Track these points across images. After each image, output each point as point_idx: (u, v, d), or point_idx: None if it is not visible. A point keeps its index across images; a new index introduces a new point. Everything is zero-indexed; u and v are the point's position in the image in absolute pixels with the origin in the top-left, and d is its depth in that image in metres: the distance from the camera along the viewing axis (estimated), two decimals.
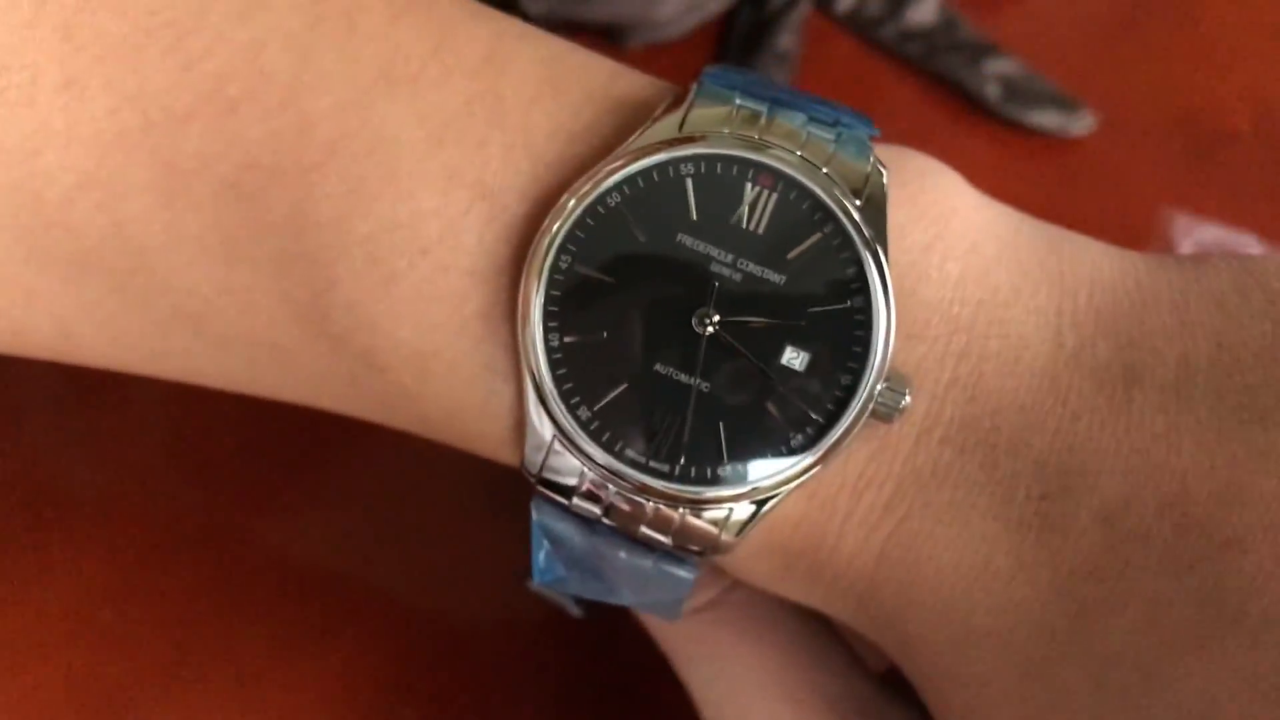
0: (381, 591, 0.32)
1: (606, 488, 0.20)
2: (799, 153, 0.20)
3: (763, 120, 0.20)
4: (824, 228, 0.20)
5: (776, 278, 0.20)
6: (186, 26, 0.20)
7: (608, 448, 0.20)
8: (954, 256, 0.20)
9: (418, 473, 0.33)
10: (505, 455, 0.22)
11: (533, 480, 0.21)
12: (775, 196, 0.20)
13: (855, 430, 0.20)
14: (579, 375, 0.20)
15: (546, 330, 0.20)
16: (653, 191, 0.20)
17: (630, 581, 0.22)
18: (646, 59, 0.40)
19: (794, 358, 0.20)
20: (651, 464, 0.20)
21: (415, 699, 0.31)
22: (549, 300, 0.20)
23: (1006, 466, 0.20)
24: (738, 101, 0.20)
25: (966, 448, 0.20)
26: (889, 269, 0.20)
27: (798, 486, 0.20)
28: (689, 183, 0.20)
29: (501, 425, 0.21)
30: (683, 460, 0.20)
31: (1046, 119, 0.40)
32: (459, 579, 0.30)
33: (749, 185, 0.20)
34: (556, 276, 0.20)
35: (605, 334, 0.20)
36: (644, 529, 0.20)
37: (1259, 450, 0.19)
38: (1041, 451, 0.20)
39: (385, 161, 0.20)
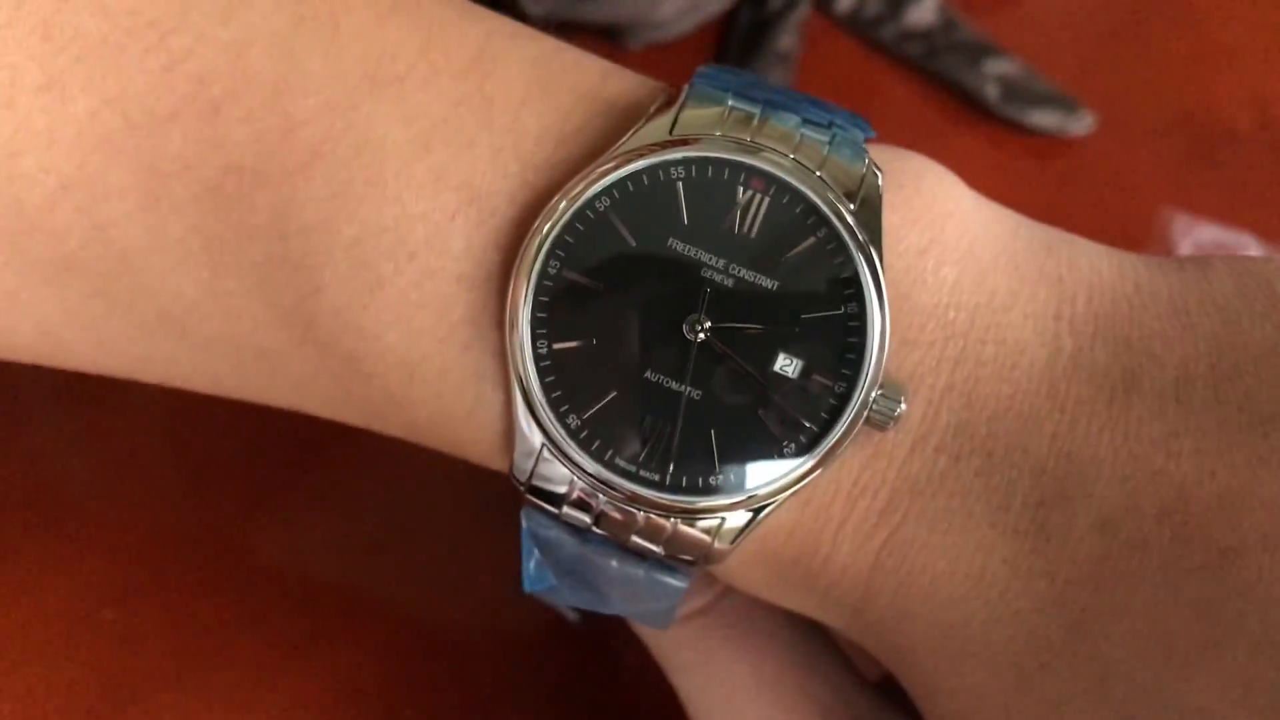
0: (381, 593, 0.32)
1: (597, 496, 0.20)
2: (792, 155, 0.20)
3: (755, 122, 0.20)
4: (817, 232, 0.20)
5: (769, 283, 0.19)
6: (168, 26, 0.19)
7: (597, 456, 0.20)
8: (950, 260, 0.20)
9: (418, 474, 0.33)
10: (495, 462, 0.21)
11: (522, 488, 0.20)
12: (767, 200, 0.20)
13: (849, 439, 0.19)
14: (568, 383, 0.19)
15: (535, 337, 0.19)
16: (643, 195, 0.20)
17: (622, 590, 0.21)
18: (646, 59, 0.40)
19: (787, 364, 0.19)
20: (642, 473, 0.20)
21: (415, 700, 0.31)
22: (538, 306, 0.19)
23: (1003, 473, 0.19)
24: (730, 103, 0.20)
25: (962, 455, 0.20)
26: (883, 274, 0.19)
27: (791, 495, 0.20)
28: (680, 186, 0.20)
29: (490, 432, 0.21)
30: (674, 469, 0.20)
31: (1046, 119, 0.40)
32: (459, 581, 0.30)
33: (741, 189, 0.20)
34: (545, 282, 0.19)
35: (595, 341, 0.20)
36: (635, 538, 0.20)
37: (1259, 457, 0.19)
38: (1038, 458, 0.19)
39: (371, 164, 0.19)
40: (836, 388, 0.19)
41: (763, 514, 0.20)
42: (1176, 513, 0.19)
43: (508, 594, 0.30)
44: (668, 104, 0.20)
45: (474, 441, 0.21)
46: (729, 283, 0.19)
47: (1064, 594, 0.19)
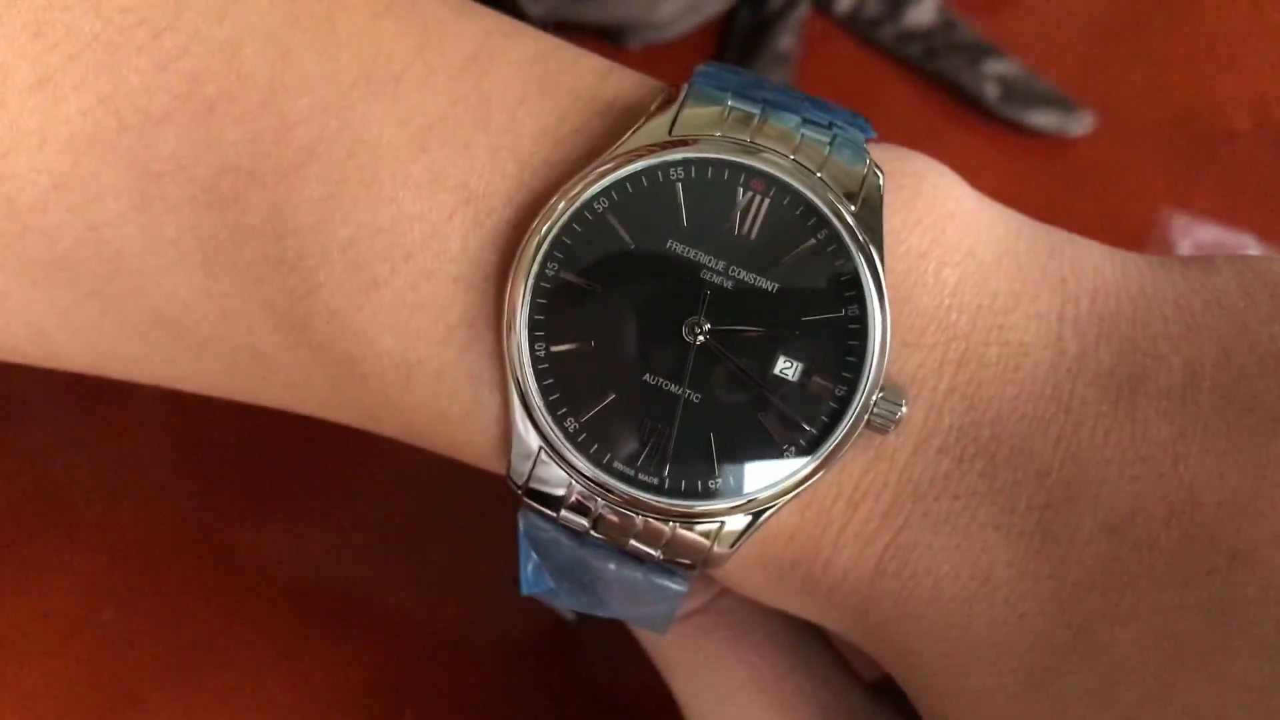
0: (381, 593, 0.32)
1: (595, 500, 0.20)
2: (792, 156, 0.20)
3: (755, 122, 0.20)
4: (818, 233, 0.19)
5: (769, 285, 0.19)
6: (161, 24, 0.19)
7: (595, 460, 0.19)
8: (951, 262, 0.20)
9: (417, 474, 0.33)
10: (492, 465, 0.21)
11: (519, 492, 0.20)
12: (768, 202, 0.19)
13: (850, 442, 0.19)
14: (566, 385, 0.19)
15: (533, 339, 0.19)
16: (642, 196, 0.19)
17: (620, 594, 0.21)
18: (646, 60, 0.40)
19: (787, 367, 0.19)
20: (640, 476, 0.19)
21: (415, 700, 0.31)
22: (535, 309, 0.19)
23: (1007, 476, 0.19)
24: (730, 103, 0.20)
25: (965, 457, 0.19)
26: (884, 275, 0.19)
27: (791, 499, 0.19)
28: (679, 187, 0.19)
29: (488, 435, 0.20)
30: (672, 472, 0.19)
31: (1045, 119, 0.40)
32: (458, 581, 0.30)
33: (741, 190, 0.19)
34: (543, 284, 0.19)
35: (593, 343, 0.19)
36: (633, 542, 0.20)
37: (1269, 459, 0.18)
38: (1043, 461, 0.19)
39: (366, 165, 0.19)
40: (837, 390, 0.19)
41: (762, 518, 0.20)
42: (1185, 515, 0.18)
43: (506, 595, 0.30)
44: (667, 103, 0.20)
45: (471, 444, 0.21)
46: (729, 284, 0.19)
47: (1070, 597, 0.19)
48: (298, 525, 0.33)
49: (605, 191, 0.19)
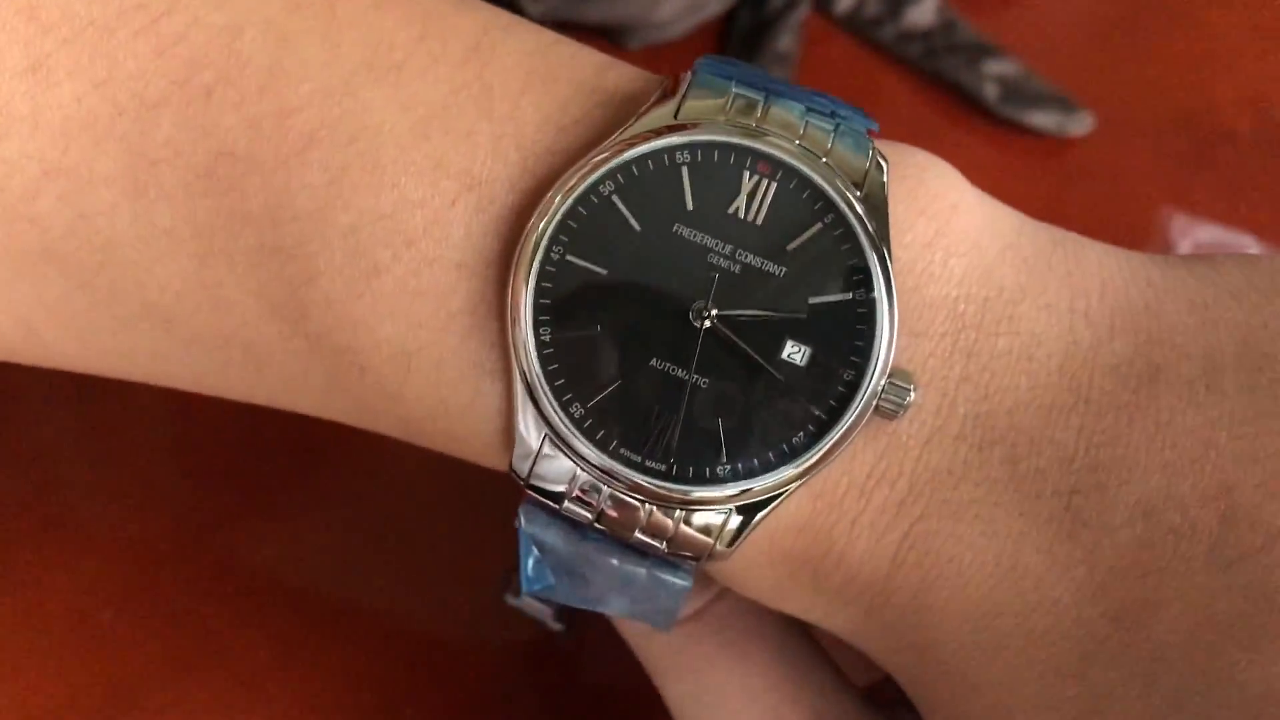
0: (380, 595, 0.32)
1: (598, 490, 0.19)
2: (797, 142, 0.19)
3: (759, 109, 0.20)
4: (825, 217, 0.19)
5: (776, 269, 0.19)
6: (159, 9, 0.19)
7: (601, 446, 0.19)
8: (958, 253, 0.20)
9: (417, 476, 0.33)
10: (492, 458, 0.21)
11: (522, 483, 0.20)
12: (774, 185, 0.19)
13: (859, 427, 0.19)
14: (571, 371, 0.19)
15: (538, 324, 0.19)
16: (647, 180, 0.19)
17: (622, 589, 0.21)
18: (646, 60, 0.40)
19: (795, 352, 0.19)
20: (647, 463, 0.19)
21: (414, 700, 0.31)
22: (540, 293, 0.19)
23: (1030, 463, 0.19)
24: (734, 90, 0.20)
25: (984, 445, 0.19)
26: (891, 261, 0.19)
27: (800, 486, 0.19)
28: (684, 171, 0.19)
29: (489, 427, 0.20)
30: (679, 459, 0.19)
31: (1045, 119, 0.40)
32: (457, 583, 0.30)
33: (747, 173, 0.19)
34: (548, 268, 0.19)
35: (599, 328, 0.19)
36: (638, 534, 0.20)
37: None
38: (1066, 448, 0.19)
39: (368, 151, 0.19)
40: (845, 375, 0.19)
41: (770, 506, 0.19)
42: (1221, 498, 0.18)
43: (496, 604, 0.30)
44: (669, 92, 0.20)
45: (471, 436, 0.20)
46: (736, 269, 0.19)
47: (1105, 582, 0.18)
48: (297, 526, 0.33)
49: (610, 175, 0.19)
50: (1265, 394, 0.19)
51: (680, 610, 0.21)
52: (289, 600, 0.31)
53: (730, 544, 0.20)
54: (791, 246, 0.19)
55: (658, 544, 0.20)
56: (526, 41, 0.21)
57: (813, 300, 0.19)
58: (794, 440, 0.19)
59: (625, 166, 0.19)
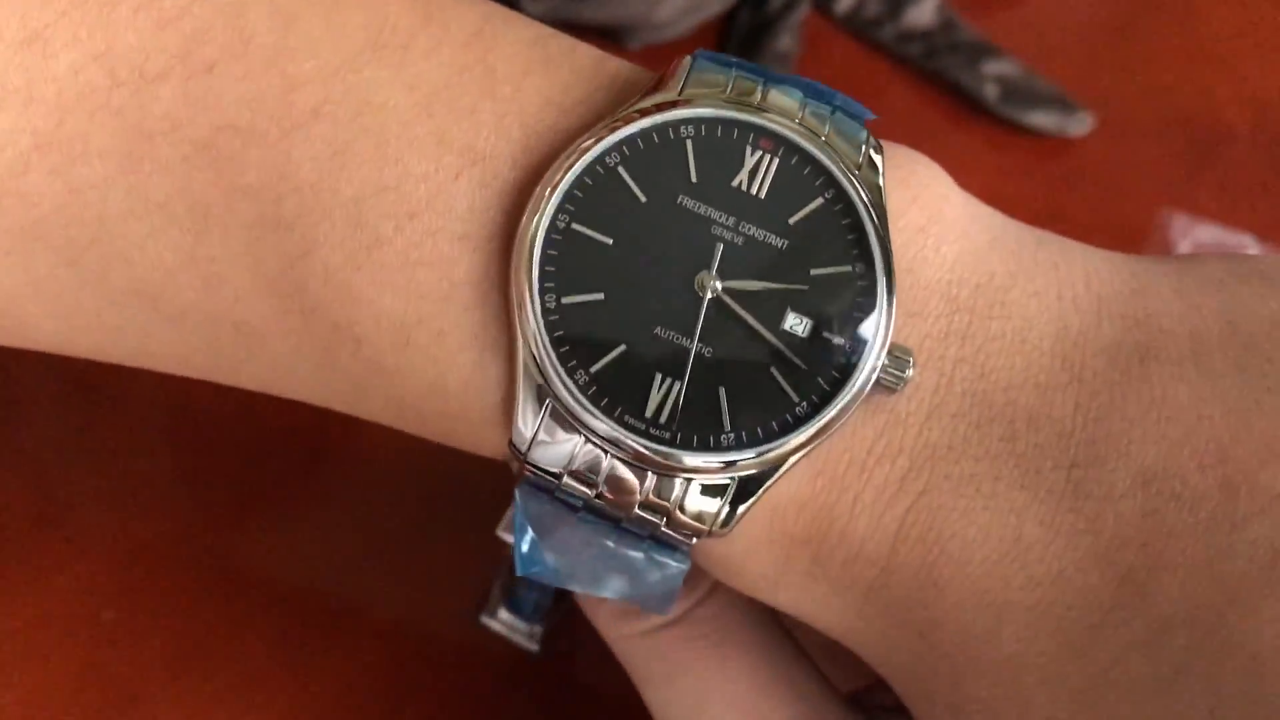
0: (381, 595, 0.32)
1: (599, 464, 0.19)
2: (797, 121, 0.20)
3: (759, 92, 0.20)
4: (825, 193, 0.20)
5: (778, 242, 0.19)
6: None
7: (606, 413, 0.19)
8: (949, 239, 0.20)
9: (417, 476, 0.33)
10: (488, 435, 0.20)
11: (520, 459, 0.20)
12: (776, 161, 0.20)
13: (861, 397, 0.19)
14: (576, 337, 0.19)
15: (543, 290, 0.19)
16: (652, 153, 0.19)
17: (619, 572, 0.21)
18: (646, 60, 0.40)
19: (797, 323, 0.19)
20: (651, 431, 0.19)
21: (414, 700, 0.31)
22: (546, 259, 0.19)
23: (1028, 439, 0.19)
24: (734, 74, 0.20)
25: (982, 422, 0.19)
26: (890, 236, 0.19)
27: (802, 458, 0.19)
28: (689, 145, 0.20)
29: (487, 401, 0.20)
30: (683, 427, 0.19)
31: (1045, 119, 0.40)
32: (457, 584, 0.30)
33: (749, 149, 0.20)
34: (554, 236, 0.19)
35: (604, 295, 0.19)
36: (638, 510, 0.20)
37: None
38: (1064, 424, 0.19)
39: (372, 126, 0.19)
40: (846, 346, 0.19)
41: (772, 478, 0.19)
42: (1219, 466, 0.19)
43: (472, 627, 0.30)
44: (670, 75, 0.20)
45: (468, 411, 0.20)
46: (739, 240, 0.19)
47: (1109, 551, 0.19)
48: (297, 527, 0.33)
49: (616, 147, 0.19)
50: (1254, 371, 0.19)
51: (678, 594, 0.21)
52: (289, 600, 0.31)
53: (730, 520, 0.19)
54: (793, 220, 0.20)
55: (657, 519, 0.20)
56: (526, 31, 0.21)
57: (814, 272, 0.19)
58: (797, 410, 0.19)
59: (631, 139, 0.19)
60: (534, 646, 0.30)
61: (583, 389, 0.19)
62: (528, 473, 0.20)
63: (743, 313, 0.19)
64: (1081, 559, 0.19)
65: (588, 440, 0.19)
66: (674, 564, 0.21)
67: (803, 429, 0.19)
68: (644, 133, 0.19)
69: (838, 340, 0.19)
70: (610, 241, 0.19)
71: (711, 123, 0.20)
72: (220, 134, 0.19)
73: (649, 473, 0.19)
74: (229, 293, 0.20)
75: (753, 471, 0.19)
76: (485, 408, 0.20)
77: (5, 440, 0.33)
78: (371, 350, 0.20)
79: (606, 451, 0.19)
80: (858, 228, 0.19)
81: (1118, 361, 0.19)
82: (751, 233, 0.19)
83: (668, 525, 0.20)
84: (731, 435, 0.19)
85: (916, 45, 0.41)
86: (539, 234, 0.19)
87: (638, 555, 0.21)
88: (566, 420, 0.19)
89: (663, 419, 0.19)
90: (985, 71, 0.40)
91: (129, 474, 0.33)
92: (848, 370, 0.19)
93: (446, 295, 0.19)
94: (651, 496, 0.19)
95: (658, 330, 0.19)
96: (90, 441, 0.33)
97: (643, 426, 0.19)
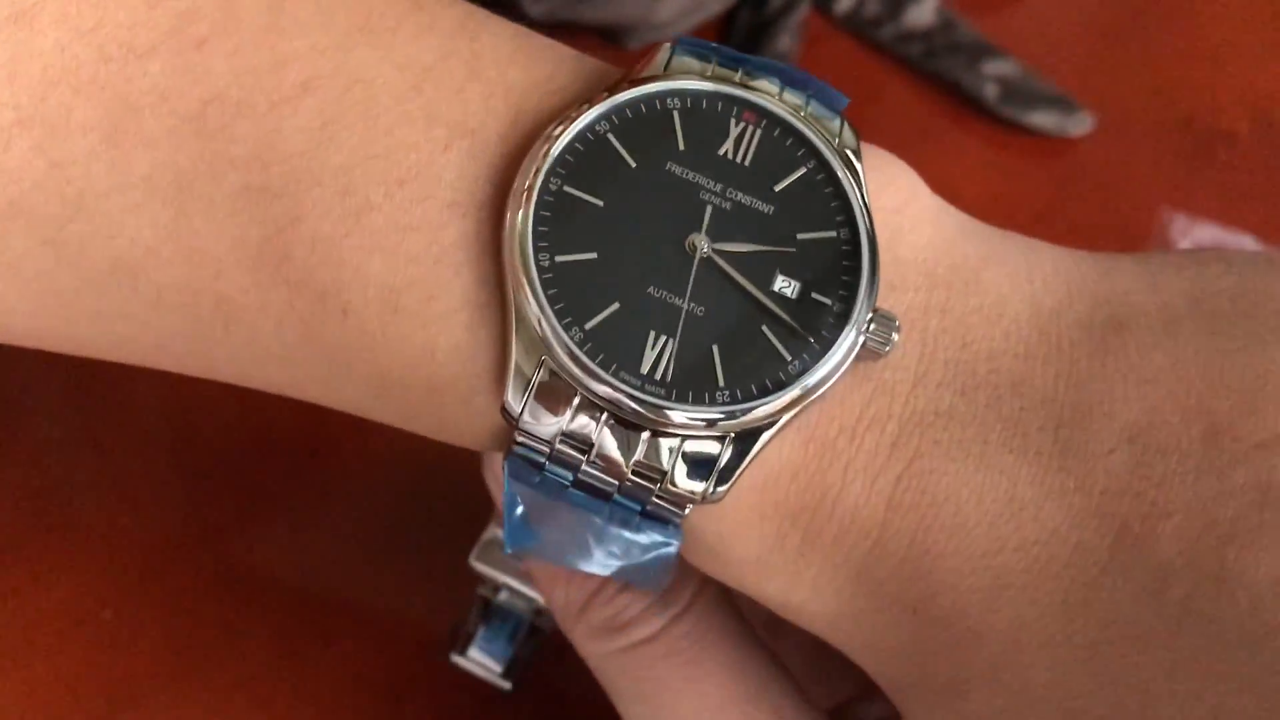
0: (381, 594, 0.32)
1: (591, 428, 0.19)
2: (777, 99, 0.21)
3: (738, 76, 0.21)
4: (808, 163, 0.20)
5: (765, 208, 0.20)
6: None
7: (603, 367, 0.19)
8: (925, 220, 0.21)
9: (417, 475, 0.33)
10: (477, 406, 0.20)
11: (513, 422, 0.20)
12: (759, 132, 0.20)
13: (851, 357, 0.19)
14: (569, 295, 0.19)
15: (537, 249, 0.19)
16: (641, 121, 0.20)
17: (610, 546, 0.21)
18: None
19: (785, 285, 0.20)
20: (647, 386, 0.19)
21: (415, 699, 0.31)
22: (539, 220, 0.19)
23: (1013, 403, 0.20)
24: (714, 60, 0.21)
25: (967, 390, 0.20)
26: (870, 205, 0.20)
27: (795, 417, 0.19)
28: (676, 115, 0.20)
29: (478, 365, 0.20)
30: (677, 384, 0.19)
31: (1044, 119, 0.40)
32: (458, 582, 0.30)
33: (733, 120, 0.20)
34: (546, 198, 0.19)
35: (596, 255, 0.20)
36: (631, 476, 0.20)
37: (1265, 370, 0.19)
38: (1046, 390, 0.20)
39: (362, 100, 0.19)
40: (834, 307, 0.20)
41: (763, 437, 0.19)
42: (1201, 419, 0.19)
43: (439, 657, 0.30)
44: (650, 60, 0.21)
45: (456, 380, 0.20)
46: (726, 205, 0.20)
47: (1101, 505, 0.19)
48: (297, 526, 0.33)
49: (606, 115, 0.20)
50: (1223, 335, 0.20)
51: (671, 570, 0.21)
52: (289, 600, 0.32)
53: (724, 482, 0.20)
54: (779, 188, 0.20)
55: (651, 486, 0.20)
56: (509, 27, 0.21)
57: (800, 236, 0.20)
58: (789, 367, 0.19)
59: (619, 109, 0.20)
60: (506, 684, 0.30)
61: (579, 344, 0.19)
62: (518, 444, 0.20)
63: (733, 272, 0.20)
64: (1075, 516, 0.19)
65: (582, 400, 0.19)
66: (665, 539, 0.21)
67: (794, 385, 0.19)
68: (632, 102, 0.20)
69: (826, 301, 0.20)
70: (601, 204, 0.20)
71: (697, 95, 0.21)
72: (209, 107, 0.19)
73: (642, 436, 0.19)
74: (210, 268, 0.20)
75: (747, 428, 0.19)
76: (475, 374, 0.20)
77: (5, 440, 0.33)
78: (358, 319, 0.20)
79: (602, 411, 0.19)
80: (840, 195, 0.20)
81: (1093, 333, 0.20)
82: (739, 199, 0.20)
83: (661, 494, 0.20)
84: (726, 392, 0.19)
85: (916, 45, 0.41)
86: (533, 196, 0.19)
87: (629, 531, 0.21)
88: (561, 380, 0.19)
89: (658, 375, 0.19)
90: (985, 71, 0.40)
91: (129, 474, 0.33)
92: (837, 329, 0.20)
93: (436, 259, 0.19)
94: (644, 460, 0.20)
95: (650, 289, 0.20)
96: (90, 441, 0.33)
97: (639, 383, 0.19)
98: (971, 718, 0.20)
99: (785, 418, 0.19)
